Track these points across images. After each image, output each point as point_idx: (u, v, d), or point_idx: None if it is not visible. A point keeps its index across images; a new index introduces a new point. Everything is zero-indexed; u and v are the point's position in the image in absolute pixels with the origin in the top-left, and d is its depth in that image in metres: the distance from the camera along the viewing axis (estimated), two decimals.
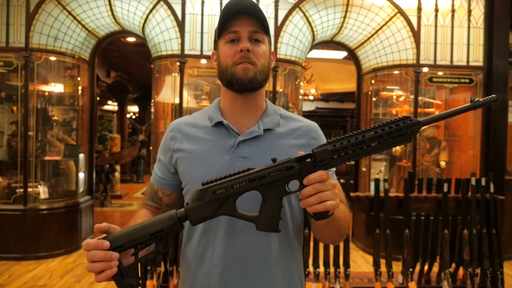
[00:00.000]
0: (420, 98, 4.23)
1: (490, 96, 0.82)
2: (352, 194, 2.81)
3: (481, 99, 0.81)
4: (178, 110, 4.07)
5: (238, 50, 0.97)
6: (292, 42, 4.12)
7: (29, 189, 4.01)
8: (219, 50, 1.03)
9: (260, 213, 0.82)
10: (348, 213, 1.02)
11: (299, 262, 1.05)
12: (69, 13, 4.05)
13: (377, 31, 4.27)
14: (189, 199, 0.82)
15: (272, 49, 1.09)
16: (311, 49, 4.55)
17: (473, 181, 2.79)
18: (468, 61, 4.19)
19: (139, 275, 0.81)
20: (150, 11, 4.03)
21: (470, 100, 0.80)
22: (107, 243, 0.77)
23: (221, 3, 4.01)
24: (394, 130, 0.78)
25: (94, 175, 4.78)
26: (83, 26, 4.22)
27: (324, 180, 0.79)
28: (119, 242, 0.79)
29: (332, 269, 2.72)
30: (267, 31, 1.01)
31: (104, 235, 0.81)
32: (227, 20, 0.99)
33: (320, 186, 0.78)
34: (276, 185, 0.81)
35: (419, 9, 4.13)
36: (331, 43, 4.75)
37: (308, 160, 0.81)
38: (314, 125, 1.09)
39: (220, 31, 1.01)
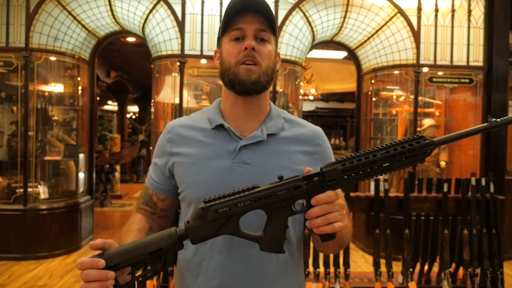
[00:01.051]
0: (420, 98, 4.23)
1: (508, 117, 0.78)
2: (352, 194, 2.81)
3: (498, 120, 0.77)
4: (178, 110, 4.07)
5: (243, 48, 0.92)
6: (292, 42, 4.12)
7: (29, 189, 4.00)
8: (223, 47, 0.97)
9: (265, 233, 0.79)
10: (350, 225, 0.97)
11: (300, 272, 1.02)
12: (69, 13, 4.05)
13: (377, 31, 4.27)
14: (190, 217, 0.78)
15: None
16: (311, 49, 4.54)
17: (473, 181, 2.79)
18: (468, 61, 4.19)
19: None
20: (150, 11, 4.03)
21: (487, 120, 0.77)
22: (102, 262, 0.73)
23: (221, 3, 4.01)
24: (407, 150, 0.74)
25: (94, 175, 4.78)
26: (83, 26, 4.22)
27: (333, 201, 0.75)
28: (115, 260, 0.74)
29: (332, 269, 2.72)
30: (274, 31, 0.96)
31: (99, 251, 0.76)
32: (233, 16, 0.93)
33: (328, 207, 0.75)
34: (282, 204, 0.77)
35: (419, 9, 4.12)
36: (331, 43, 4.75)
37: (316, 178, 0.77)
38: (319, 130, 1.04)
39: (225, 27, 0.95)
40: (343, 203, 0.79)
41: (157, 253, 0.76)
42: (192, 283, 0.95)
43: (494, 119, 0.77)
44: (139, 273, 0.78)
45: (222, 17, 0.96)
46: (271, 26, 0.95)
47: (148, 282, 2.50)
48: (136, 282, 0.77)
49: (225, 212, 0.76)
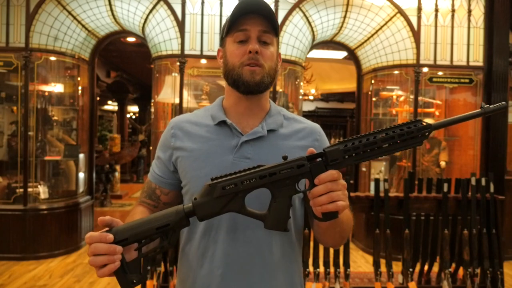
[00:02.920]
0: (420, 98, 4.23)
1: (500, 103, 0.82)
2: (352, 194, 2.81)
3: (491, 106, 0.80)
4: (178, 110, 4.07)
5: (247, 51, 0.95)
6: (292, 42, 4.12)
7: (29, 189, 4.00)
8: (226, 48, 1.00)
9: (269, 211, 0.81)
10: (351, 216, 1.01)
11: (299, 264, 1.05)
12: (69, 13, 4.05)
13: (377, 31, 4.27)
14: (198, 194, 0.80)
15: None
16: (311, 49, 4.54)
17: (473, 181, 2.79)
18: (468, 61, 4.19)
19: (142, 271, 0.79)
20: (150, 11, 4.03)
21: (481, 106, 0.81)
22: (111, 236, 0.75)
23: (221, 3, 4.01)
24: (405, 133, 0.78)
25: (94, 175, 4.78)
26: (83, 26, 4.22)
27: (336, 180, 0.78)
28: (123, 235, 0.76)
29: (332, 269, 2.72)
30: (276, 33, 1.00)
31: (107, 228, 0.78)
32: (238, 18, 0.96)
33: (331, 185, 0.78)
34: (287, 183, 0.80)
35: (419, 9, 4.13)
36: (331, 43, 4.75)
37: (319, 159, 0.80)
38: (317, 127, 1.09)
39: (229, 28, 0.98)
40: (345, 184, 0.81)
41: (164, 228, 0.77)
42: (198, 272, 0.98)
43: (486, 105, 0.81)
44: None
45: (227, 18, 0.99)
46: (274, 28, 0.98)
47: (148, 282, 2.50)
48: (142, 258, 0.78)
49: (231, 189, 0.79)
